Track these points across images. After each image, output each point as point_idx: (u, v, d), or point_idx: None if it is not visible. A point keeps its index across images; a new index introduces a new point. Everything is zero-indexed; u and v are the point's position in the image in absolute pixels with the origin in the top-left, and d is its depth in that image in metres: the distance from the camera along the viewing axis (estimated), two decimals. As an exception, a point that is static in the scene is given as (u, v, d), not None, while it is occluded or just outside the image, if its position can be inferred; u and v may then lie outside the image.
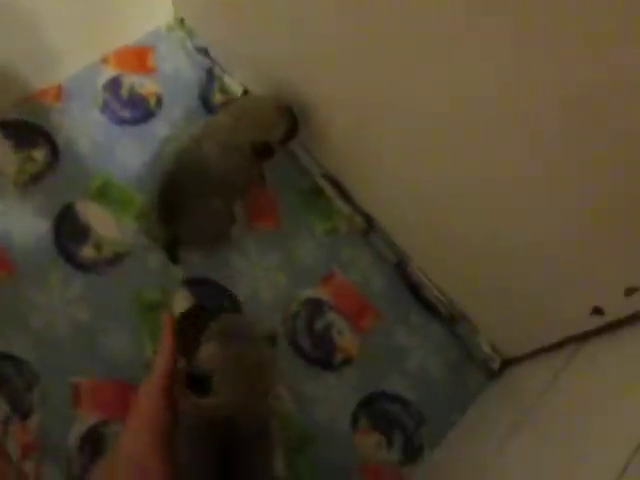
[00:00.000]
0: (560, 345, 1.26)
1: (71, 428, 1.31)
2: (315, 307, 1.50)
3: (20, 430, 1.28)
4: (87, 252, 1.45)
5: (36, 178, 1.50)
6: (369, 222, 1.57)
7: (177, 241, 1.41)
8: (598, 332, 1.13)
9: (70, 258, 1.44)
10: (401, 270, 1.54)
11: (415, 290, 1.54)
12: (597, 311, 1.09)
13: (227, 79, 1.69)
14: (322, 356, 1.46)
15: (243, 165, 1.40)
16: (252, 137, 1.37)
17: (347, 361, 1.46)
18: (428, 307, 1.53)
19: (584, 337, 1.17)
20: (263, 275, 1.50)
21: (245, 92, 1.66)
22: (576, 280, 1.10)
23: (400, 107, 1.16)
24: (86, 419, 1.32)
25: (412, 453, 1.41)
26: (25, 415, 1.30)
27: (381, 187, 1.46)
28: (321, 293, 1.51)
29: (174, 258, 1.43)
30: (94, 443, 1.30)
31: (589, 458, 0.86)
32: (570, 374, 1.15)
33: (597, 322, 1.11)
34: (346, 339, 1.48)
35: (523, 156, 0.98)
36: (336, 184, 1.59)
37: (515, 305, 1.30)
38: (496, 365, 1.48)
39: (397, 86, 1.12)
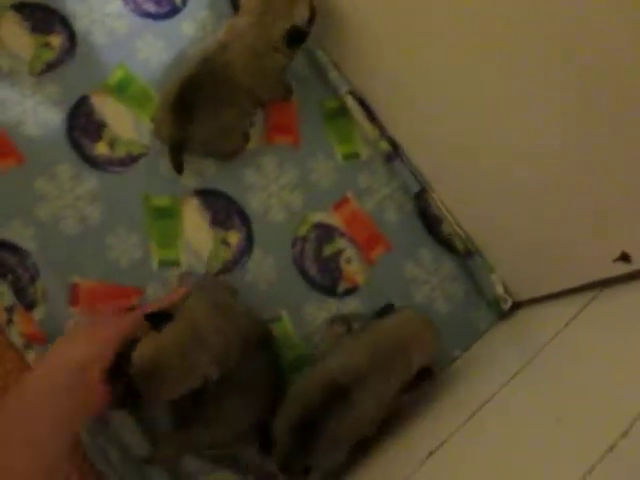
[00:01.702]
0: (576, 291, 1.22)
1: (66, 324, 1.32)
2: (325, 232, 1.46)
3: (24, 320, 1.29)
4: (100, 149, 1.41)
5: (52, 66, 1.44)
6: (395, 148, 1.50)
7: (183, 146, 1.35)
8: (619, 280, 1.07)
9: (82, 153, 1.40)
10: (421, 200, 1.49)
11: (432, 223, 1.49)
12: (624, 258, 1.03)
13: (260, -21, 1.57)
14: (327, 282, 1.44)
15: (271, 69, 1.34)
16: (281, 26, 1.29)
17: (352, 290, 1.44)
18: (442, 242, 1.49)
19: (603, 284, 1.12)
20: (276, 193, 1.46)
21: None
22: (607, 220, 1.04)
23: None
24: (82, 319, 1.32)
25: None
26: (29, 306, 1.31)
27: (415, 109, 1.38)
28: (333, 219, 1.47)
29: (178, 164, 1.36)
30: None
31: (590, 414, 0.85)
32: (582, 322, 1.13)
33: (621, 269, 1.06)
34: (353, 268, 1.46)
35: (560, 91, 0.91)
36: (364, 104, 1.51)
37: (536, 245, 1.26)
38: (507, 306, 1.46)
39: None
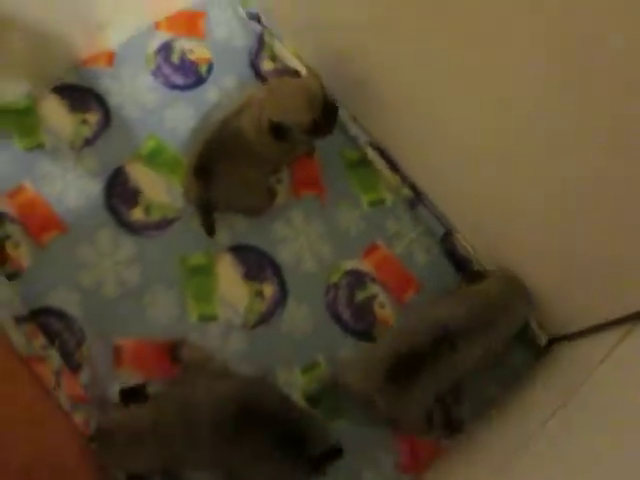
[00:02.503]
0: (614, 324, 1.22)
1: (113, 387, 1.35)
2: (357, 279, 1.50)
3: (71, 382, 1.33)
4: (137, 215, 1.48)
5: (90, 141, 1.54)
6: (417, 194, 1.54)
7: (210, 206, 1.43)
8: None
9: (120, 220, 1.47)
10: (447, 243, 1.52)
11: (460, 263, 1.52)
12: None
13: (277, 46, 1.67)
14: (361, 327, 1.46)
15: (271, 144, 1.38)
16: (273, 115, 1.33)
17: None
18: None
19: (637, 317, 1.13)
20: (306, 244, 1.51)
21: (296, 73, 1.63)
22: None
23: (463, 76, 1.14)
24: (127, 379, 1.36)
25: (453, 426, 1.41)
26: (76, 369, 1.36)
27: (436, 157, 1.43)
28: (363, 265, 1.51)
29: (208, 225, 1.44)
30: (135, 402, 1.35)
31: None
32: (621, 354, 1.12)
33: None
34: (387, 312, 1.48)
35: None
36: (384, 154, 1.57)
37: (567, 280, 1.28)
38: (542, 342, 1.46)
39: (460, 51, 1.09)
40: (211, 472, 1.28)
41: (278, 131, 1.34)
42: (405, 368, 1.22)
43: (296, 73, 1.62)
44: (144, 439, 1.13)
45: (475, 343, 1.26)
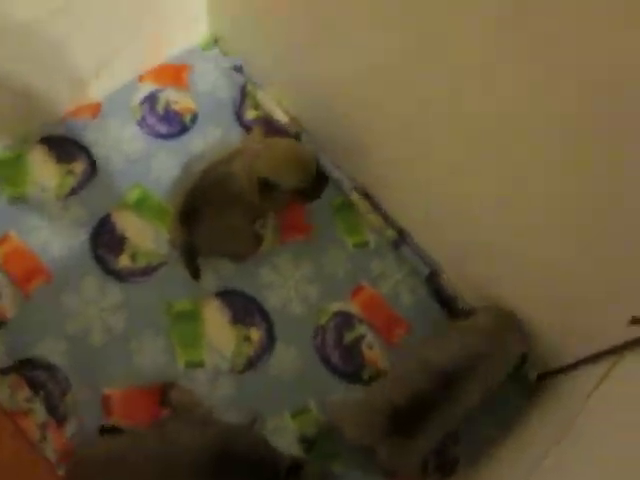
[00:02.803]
0: (597, 357, 1.23)
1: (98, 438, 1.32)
2: (344, 320, 1.50)
3: (57, 435, 1.30)
4: (123, 262, 1.49)
5: (75, 190, 1.55)
6: (401, 234, 1.57)
7: (195, 251, 1.44)
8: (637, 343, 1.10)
9: (106, 268, 1.48)
10: (433, 283, 1.54)
11: (447, 303, 1.53)
12: (636, 321, 1.06)
13: (260, 95, 1.72)
14: (350, 369, 1.46)
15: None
16: (263, 172, 1.38)
17: (376, 375, 1.45)
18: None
19: (622, 348, 1.14)
20: (293, 287, 1.52)
21: (297, 137, 1.66)
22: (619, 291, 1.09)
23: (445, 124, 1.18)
24: (117, 428, 1.34)
25: (447, 469, 1.40)
26: (61, 421, 1.33)
27: (417, 201, 1.47)
28: (350, 306, 1.52)
29: (193, 270, 1.45)
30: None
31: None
32: (609, 387, 1.13)
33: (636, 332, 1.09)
34: (375, 353, 1.48)
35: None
36: (368, 197, 1.60)
37: (557, 314, 1.30)
38: (533, 377, 1.46)
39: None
40: None
41: (265, 187, 1.39)
42: (408, 419, 1.20)
43: (296, 136, 1.65)
44: (114, 467, 1.14)
45: (473, 381, 1.24)
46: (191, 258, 1.45)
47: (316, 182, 1.43)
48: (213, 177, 1.42)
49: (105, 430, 1.29)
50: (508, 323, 1.34)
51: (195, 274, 1.45)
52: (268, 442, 1.23)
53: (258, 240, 1.54)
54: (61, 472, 1.27)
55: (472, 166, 1.22)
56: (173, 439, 1.18)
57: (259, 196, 1.40)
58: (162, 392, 1.34)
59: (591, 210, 1.02)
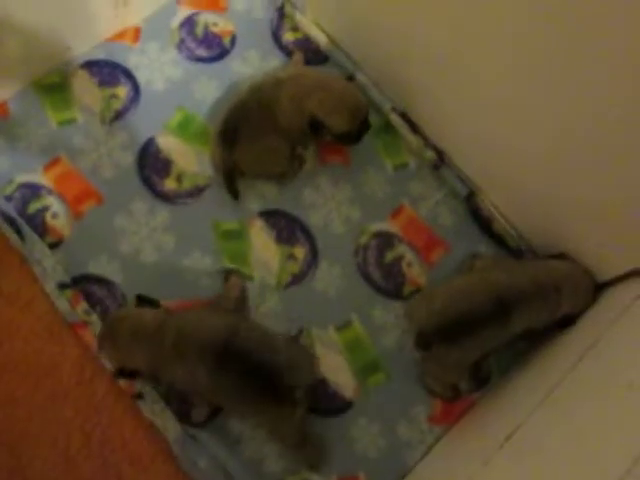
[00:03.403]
0: (632, 275, 1.25)
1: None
2: (385, 240, 1.54)
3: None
4: (169, 184, 1.53)
5: (120, 114, 1.58)
6: (440, 156, 1.58)
7: (233, 170, 1.48)
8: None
9: (153, 189, 1.52)
10: (471, 204, 1.55)
11: (486, 224, 1.55)
12: None
13: (298, 17, 1.70)
14: (391, 287, 1.50)
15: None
16: (317, 112, 1.42)
17: (416, 292, 1.50)
18: (500, 241, 1.54)
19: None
20: (335, 208, 1.55)
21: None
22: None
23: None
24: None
25: (480, 381, 1.45)
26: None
27: (458, 118, 1.46)
28: (391, 226, 1.55)
29: (232, 190, 1.49)
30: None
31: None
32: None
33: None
34: (416, 271, 1.52)
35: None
36: (406, 118, 1.60)
37: (591, 231, 1.32)
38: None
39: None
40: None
41: (316, 126, 1.43)
42: (458, 330, 1.26)
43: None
44: (143, 338, 1.23)
45: (528, 313, 1.28)
46: (230, 178, 1.48)
47: (361, 128, 1.47)
48: (256, 100, 1.45)
49: (141, 299, 1.34)
50: (587, 282, 1.35)
51: (234, 194, 1.50)
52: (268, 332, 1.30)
53: (300, 162, 1.56)
54: (120, 381, 1.36)
55: (512, 81, 1.21)
56: (197, 320, 1.27)
57: (307, 131, 1.44)
58: (225, 274, 1.44)
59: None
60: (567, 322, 1.33)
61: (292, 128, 1.47)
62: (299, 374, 1.26)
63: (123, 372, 1.25)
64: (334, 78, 1.52)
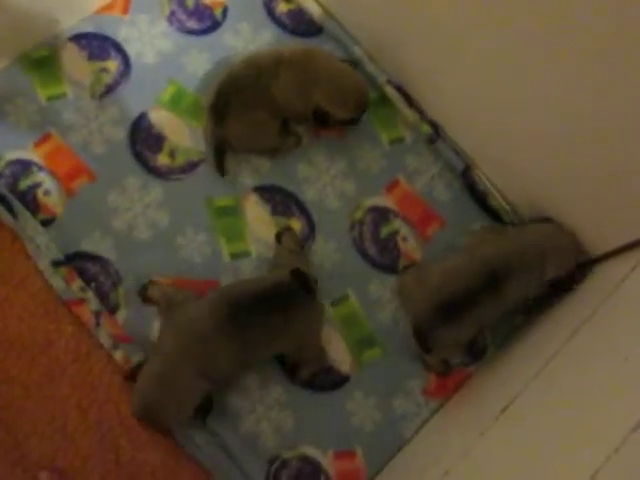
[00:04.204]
0: (629, 248, 1.25)
1: (153, 324, 1.40)
2: (380, 215, 1.53)
3: (110, 322, 1.38)
4: (162, 159, 1.51)
5: (110, 88, 1.55)
6: (436, 129, 1.56)
7: (225, 145, 1.47)
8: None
9: (146, 165, 1.50)
10: (467, 178, 1.54)
11: (481, 199, 1.54)
12: None
13: (291, -13, 1.67)
14: (387, 261, 1.50)
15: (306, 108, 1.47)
16: (324, 104, 1.44)
17: (414, 265, 1.49)
18: (495, 216, 1.54)
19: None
20: (329, 182, 1.54)
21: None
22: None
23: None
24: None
25: (475, 354, 1.46)
26: (113, 310, 1.40)
27: (453, 92, 1.46)
28: (386, 201, 1.54)
29: (220, 166, 1.48)
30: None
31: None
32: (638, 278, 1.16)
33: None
34: (411, 246, 1.52)
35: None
36: (402, 91, 1.58)
37: (586, 206, 1.32)
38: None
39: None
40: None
41: (322, 116, 1.45)
42: (455, 308, 1.29)
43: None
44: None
45: (519, 282, 1.31)
46: (219, 153, 1.48)
47: (361, 115, 1.51)
48: (252, 74, 1.43)
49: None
50: (568, 242, 1.37)
51: (221, 170, 1.49)
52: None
53: (296, 140, 1.55)
54: (116, 357, 1.36)
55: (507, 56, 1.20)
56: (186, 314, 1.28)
57: (309, 116, 1.47)
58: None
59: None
60: (563, 287, 1.35)
61: (289, 107, 1.46)
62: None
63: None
64: (341, 68, 1.49)
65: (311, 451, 1.36)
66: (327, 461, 1.36)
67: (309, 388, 1.39)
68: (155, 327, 1.39)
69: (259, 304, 1.25)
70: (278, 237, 1.44)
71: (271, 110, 1.45)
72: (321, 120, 1.47)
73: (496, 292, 1.29)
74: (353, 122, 1.51)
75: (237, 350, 1.25)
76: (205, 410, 1.28)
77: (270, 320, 1.25)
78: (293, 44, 1.61)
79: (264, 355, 1.35)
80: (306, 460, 1.35)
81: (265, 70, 1.43)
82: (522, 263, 1.31)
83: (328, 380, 1.41)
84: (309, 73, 1.43)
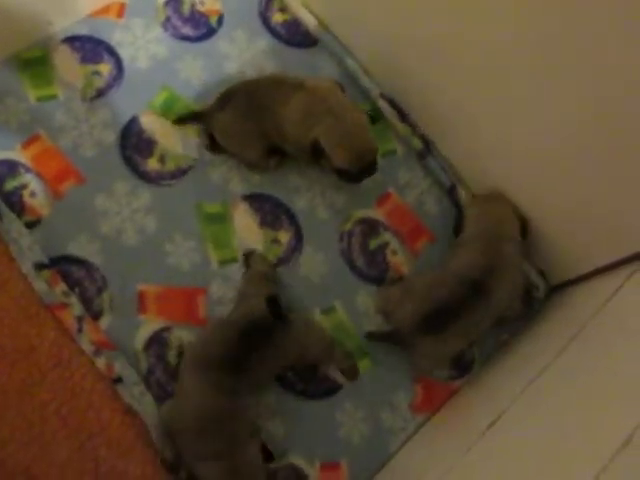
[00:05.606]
0: (613, 267, 1.26)
1: (137, 331, 1.38)
2: (370, 227, 1.53)
3: (92, 329, 1.35)
4: (152, 164, 1.49)
5: (102, 92, 1.54)
6: (427, 145, 1.57)
7: (209, 118, 1.47)
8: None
9: (136, 169, 1.49)
10: (453, 195, 1.55)
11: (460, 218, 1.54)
12: None
13: (287, -4, 1.67)
14: (375, 273, 1.50)
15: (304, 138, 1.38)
16: (323, 140, 1.34)
17: (399, 280, 1.49)
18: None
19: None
20: (320, 193, 1.53)
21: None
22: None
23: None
24: (151, 324, 1.39)
25: (462, 369, 1.46)
26: (96, 316, 1.38)
27: (444, 109, 1.47)
28: (376, 213, 1.54)
29: (211, 145, 1.49)
30: (158, 346, 1.38)
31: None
32: (625, 296, 1.16)
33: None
34: (400, 259, 1.51)
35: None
36: (395, 105, 1.59)
37: (570, 223, 1.33)
38: (541, 294, 1.50)
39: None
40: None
41: (317, 152, 1.36)
42: (440, 321, 1.29)
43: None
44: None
45: (501, 279, 1.31)
46: (202, 118, 1.50)
47: (363, 171, 1.38)
48: (270, 89, 1.42)
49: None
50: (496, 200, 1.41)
51: (212, 146, 1.51)
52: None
53: (276, 162, 1.52)
54: (98, 364, 1.33)
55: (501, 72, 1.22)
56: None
57: (307, 151, 1.38)
58: (245, 257, 1.45)
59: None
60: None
61: (290, 136, 1.41)
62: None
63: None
64: (358, 115, 1.38)
65: (299, 461, 1.34)
66: (314, 473, 1.34)
67: (302, 395, 1.38)
68: (139, 335, 1.37)
69: (247, 348, 1.24)
70: (246, 261, 1.44)
71: (263, 130, 1.43)
72: (317, 157, 1.37)
73: (483, 297, 1.29)
74: (350, 177, 1.39)
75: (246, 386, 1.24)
76: None
77: (263, 355, 1.24)
78: (290, 52, 1.63)
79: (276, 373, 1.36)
80: (294, 470, 1.34)
81: (283, 88, 1.40)
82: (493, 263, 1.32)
83: (320, 388, 1.40)
84: (321, 104, 1.35)
